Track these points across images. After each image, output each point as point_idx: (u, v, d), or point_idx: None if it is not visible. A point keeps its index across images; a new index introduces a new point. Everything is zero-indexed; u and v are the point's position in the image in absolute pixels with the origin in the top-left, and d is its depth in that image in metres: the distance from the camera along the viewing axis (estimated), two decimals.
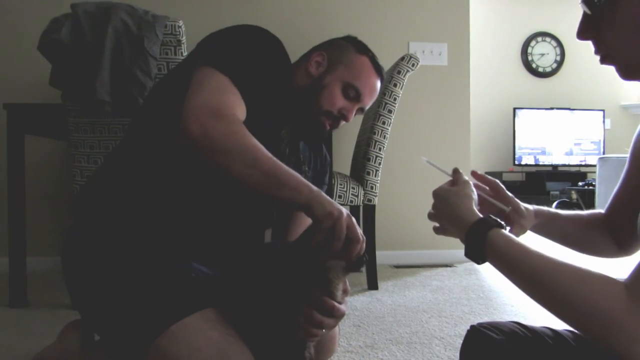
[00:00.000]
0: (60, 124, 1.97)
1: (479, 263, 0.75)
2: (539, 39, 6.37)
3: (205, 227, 1.12)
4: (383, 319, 1.90)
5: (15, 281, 2.05)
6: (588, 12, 0.68)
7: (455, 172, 0.94)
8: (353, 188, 2.32)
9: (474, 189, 0.90)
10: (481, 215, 0.80)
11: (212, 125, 0.99)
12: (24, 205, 2.07)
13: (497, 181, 1.02)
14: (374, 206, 2.39)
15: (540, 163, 6.12)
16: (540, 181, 5.88)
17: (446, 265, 2.98)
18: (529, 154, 6.10)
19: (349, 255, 0.98)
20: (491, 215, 0.78)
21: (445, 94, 3.16)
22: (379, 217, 2.47)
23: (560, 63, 6.40)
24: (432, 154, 3.13)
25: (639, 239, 0.90)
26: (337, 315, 1.00)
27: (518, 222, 0.99)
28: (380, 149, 2.35)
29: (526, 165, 6.08)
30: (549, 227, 1.06)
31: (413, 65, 2.33)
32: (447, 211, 0.87)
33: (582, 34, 0.70)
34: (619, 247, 1.03)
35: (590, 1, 0.67)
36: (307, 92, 1.27)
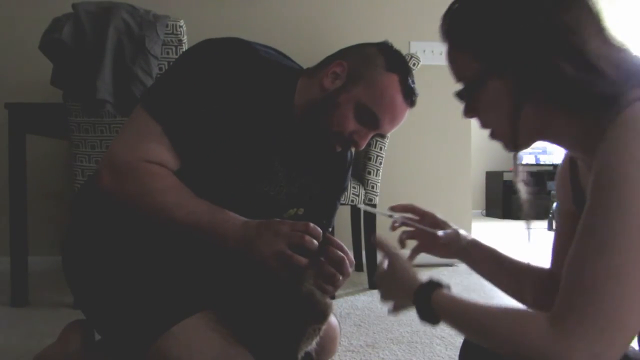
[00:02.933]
0: (62, 124, 1.97)
1: (434, 325, 0.77)
2: None
3: None
4: (384, 318, 1.90)
5: (16, 280, 2.05)
6: (460, 101, 0.80)
7: (380, 246, 0.92)
8: (354, 187, 2.32)
9: (405, 260, 0.90)
10: (421, 281, 0.81)
11: (123, 183, 1.01)
12: (25, 204, 2.08)
13: (431, 213, 1.06)
14: (374, 206, 2.39)
15: (541, 162, 6.11)
16: (541, 181, 5.88)
17: (447, 265, 2.98)
18: (530, 154, 6.10)
19: (315, 253, 0.96)
20: (431, 278, 0.80)
21: (446, 93, 3.14)
22: (380, 217, 2.47)
23: None
24: (433, 153, 3.13)
25: None
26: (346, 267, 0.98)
27: (454, 245, 1.03)
28: (381, 149, 2.35)
29: (527, 164, 6.08)
30: (481, 267, 1.06)
31: (414, 64, 2.33)
32: (392, 290, 0.89)
33: (465, 114, 0.82)
34: None
35: (459, 93, 0.80)
36: (316, 108, 1.10)
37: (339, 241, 0.99)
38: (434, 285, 0.78)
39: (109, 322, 1.08)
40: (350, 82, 1.10)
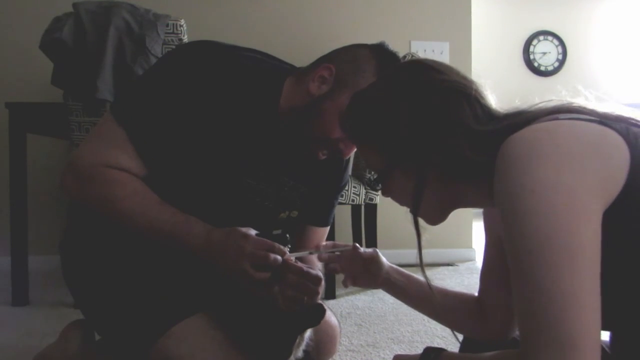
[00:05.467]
0: (62, 123, 1.97)
1: None
2: (541, 37, 6.35)
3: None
4: (385, 317, 1.90)
5: (16, 280, 2.05)
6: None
7: None
8: (354, 187, 2.32)
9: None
10: (420, 352, 0.84)
11: (84, 187, 1.00)
12: (25, 203, 2.08)
13: (354, 244, 1.12)
14: (375, 205, 2.39)
15: None
16: None
17: (448, 264, 2.98)
18: None
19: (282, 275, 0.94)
20: (429, 347, 0.83)
21: None
22: (381, 216, 2.47)
23: (562, 62, 6.38)
24: None
25: (513, 322, 0.96)
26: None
27: (376, 271, 1.09)
28: None
29: None
30: (407, 294, 1.10)
31: None
32: None
33: (384, 195, 0.90)
34: (491, 331, 0.99)
35: (370, 184, 0.90)
36: (300, 114, 1.04)
37: (297, 265, 0.95)
38: (436, 351, 0.81)
39: (109, 323, 1.08)
40: (336, 88, 1.03)
